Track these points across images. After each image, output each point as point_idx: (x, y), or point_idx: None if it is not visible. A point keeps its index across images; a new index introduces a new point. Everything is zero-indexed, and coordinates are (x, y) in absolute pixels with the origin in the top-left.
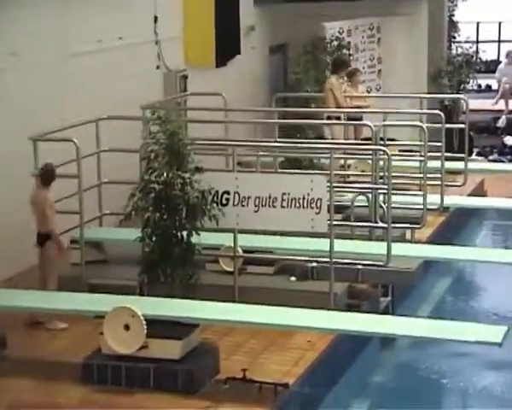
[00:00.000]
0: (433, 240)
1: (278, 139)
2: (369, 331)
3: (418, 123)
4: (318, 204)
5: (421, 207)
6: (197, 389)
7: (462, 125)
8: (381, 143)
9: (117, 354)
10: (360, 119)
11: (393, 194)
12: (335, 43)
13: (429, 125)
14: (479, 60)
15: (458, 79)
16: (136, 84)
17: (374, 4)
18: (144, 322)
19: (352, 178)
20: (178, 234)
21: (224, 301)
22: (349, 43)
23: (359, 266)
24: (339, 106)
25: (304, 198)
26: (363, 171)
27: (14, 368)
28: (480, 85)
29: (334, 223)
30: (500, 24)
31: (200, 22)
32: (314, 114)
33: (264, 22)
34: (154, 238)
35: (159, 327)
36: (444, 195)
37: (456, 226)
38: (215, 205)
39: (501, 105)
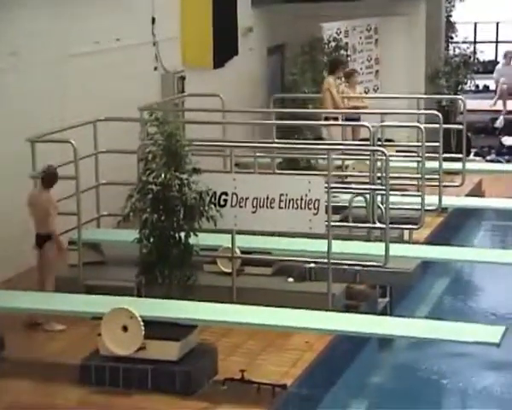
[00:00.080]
0: (431, 241)
1: (276, 140)
2: (367, 332)
3: (416, 124)
4: (316, 205)
5: (419, 207)
6: (195, 390)
7: (460, 126)
8: (379, 143)
9: (115, 356)
10: (358, 119)
11: (391, 195)
12: (333, 43)
13: (427, 125)
14: (476, 60)
15: (456, 80)
16: (133, 86)
17: (371, 5)
18: (142, 323)
19: (349, 179)
20: (176, 235)
21: (222, 302)
22: (347, 43)
23: (357, 267)
24: (336, 105)
25: (302, 199)
26: (360, 172)
27: (12, 369)
28: (477, 86)
29: (332, 224)
30: (498, 24)
31: (197, 23)
32: (312, 114)
33: (262, 23)
34: (151, 239)
35: (157, 328)
36: (442, 195)
37: (454, 227)
38: (213, 206)
39: (499, 105)
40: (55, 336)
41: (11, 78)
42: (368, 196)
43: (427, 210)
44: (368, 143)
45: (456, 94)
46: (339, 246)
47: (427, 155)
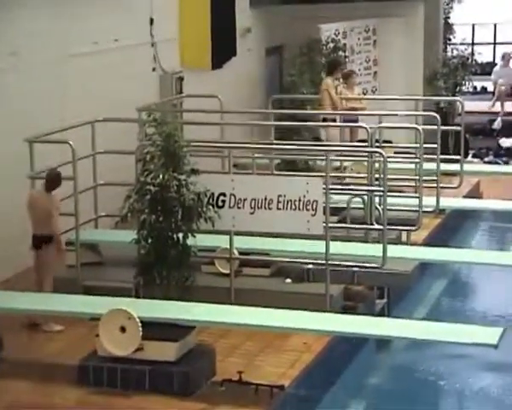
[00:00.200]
0: (429, 242)
1: (274, 141)
2: (364, 333)
3: (414, 125)
4: (314, 206)
5: (417, 209)
6: (193, 391)
7: (458, 128)
8: (377, 145)
9: (113, 356)
10: (356, 121)
11: (389, 196)
12: (331, 45)
13: (425, 126)
14: (474, 62)
15: (454, 81)
16: (132, 86)
17: (370, 6)
18: (140, 324)
19: (347, 181)
20: (174, 236)
21: (220, 303)
22: (345, 45)
23: (355, 268)
24: (335, 106)
25: (300, 200)
26: (358, 173)
27: (11, 370)
28: (475, 87)
29: (330, 225)
30: (495, 26)
31: (196, 24)
32: (310, 115)
33: (261, 24)
34: (149, 240)
35: (154, 329)
36: (439, 197)
37: (451, 228)
38: (211, 207)
39: (496, 107)
40: (54, 337)
41: (11, 78)
42: (366, 197)
43: (424, 211)
44: (366, 144)
45: (454, 95)
46: (337, 247)
47: (425, 156)
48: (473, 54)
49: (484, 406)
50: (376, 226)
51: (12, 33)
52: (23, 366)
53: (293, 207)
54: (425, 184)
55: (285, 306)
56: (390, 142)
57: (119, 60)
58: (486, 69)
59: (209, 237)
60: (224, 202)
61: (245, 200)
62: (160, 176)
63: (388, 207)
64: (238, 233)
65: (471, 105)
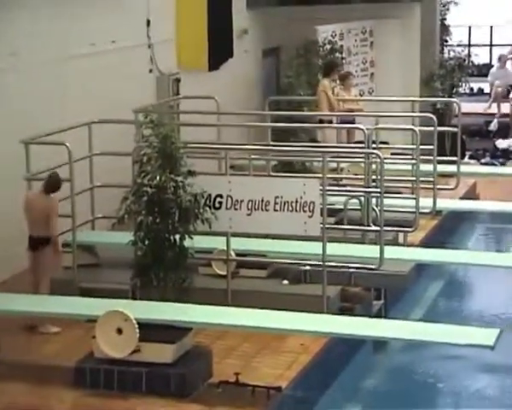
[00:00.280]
0: (426, 243)
1: (271, 143)
2: (361, 335)
3: (411, 126)
4: (311, 207)
5: (414, 210)
6: (190, 392)
7: (455, 129)
8: (374, 146)
9: (109, 358)
10: (353, 122)
11: (386, 197)
12: (328, 46)
13: (422, 128)
14: (471, 63)
15: (450, 83)
16: (129, 88)
17: (366, 8)
18: (137, 326)
19: (344, 182)
20: (171, 237)
21: (217, 305)
22: (342, 46)
23: (352, 270)
24: (332, 108)
25: (296, 202)
26: (355, 174)
27: (7, 371)
28: (472, 89)
29: (327, 226)
30: (492, 28)
31: (192, 25)
32: (307, 117)
33: (257, 25)
34: (146, 242)
35: (151, 331)
36: (436, 198)
37: (448, 230)
38: (208, 208)
39: (493, 108)
40: (50, 339)
41: (11, 78)
42: (362, 198)
43: (421, 213)
44: (363, 145)
45: (450, 97)
46: (334, 248)
47: (421, 157)
48: (469, 55)
49: (480, 407)
50: (373, 228)
51: (12, 34)
52: (20, 368)
53: (290, 208)
54: (422, 186)
55: (282, 307)
56: (387, 143)
57: (116, 61)
58: (483, 71)
59: (206, 238)
60: (220, 203)
61: (242, 201)
62: (157, 177)
63: (385, 209)
64: (235, 235)
65: (468, 106)
